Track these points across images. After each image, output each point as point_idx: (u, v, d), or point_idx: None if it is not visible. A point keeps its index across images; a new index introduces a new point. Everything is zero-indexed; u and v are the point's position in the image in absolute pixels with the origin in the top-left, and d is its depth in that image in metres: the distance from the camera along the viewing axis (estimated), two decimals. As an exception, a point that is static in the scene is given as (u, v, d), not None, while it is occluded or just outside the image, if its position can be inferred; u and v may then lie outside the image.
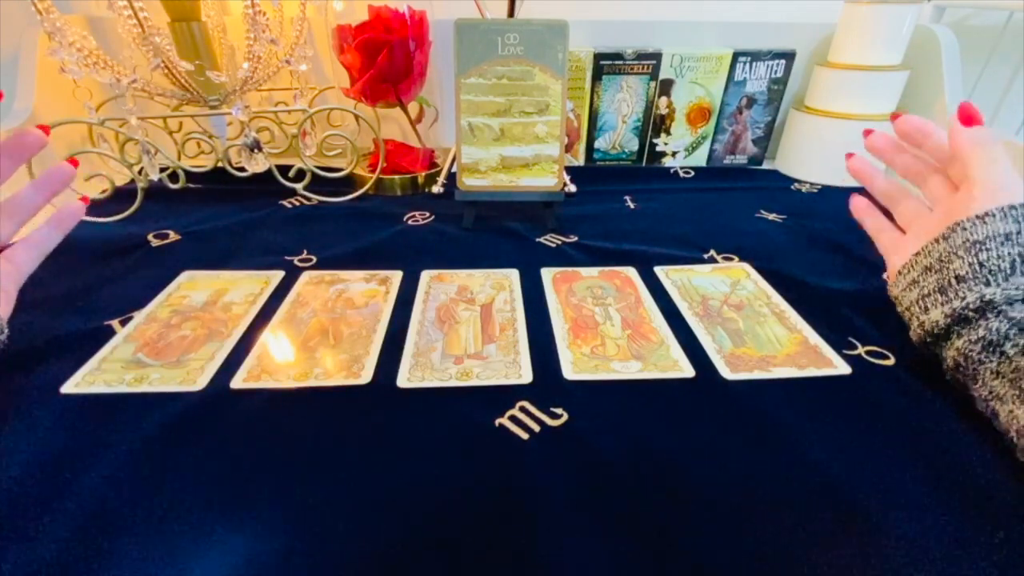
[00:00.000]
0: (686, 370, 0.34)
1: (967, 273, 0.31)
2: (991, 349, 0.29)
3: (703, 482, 0.27)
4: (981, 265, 0.30)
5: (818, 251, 0.49)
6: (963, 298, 0.30)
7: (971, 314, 0.30)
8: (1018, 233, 0.30)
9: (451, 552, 0.23)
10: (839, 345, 0.36)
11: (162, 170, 0.55)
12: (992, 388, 0.29)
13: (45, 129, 0.35)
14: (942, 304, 0.32)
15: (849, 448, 0.28)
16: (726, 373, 0.34)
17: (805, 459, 0.28)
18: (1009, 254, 0.30)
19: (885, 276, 0.38)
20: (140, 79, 0.50)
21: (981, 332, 0.29)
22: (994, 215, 0.30)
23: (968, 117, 0.33)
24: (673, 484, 0.26)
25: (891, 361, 0.35)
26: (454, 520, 0.25)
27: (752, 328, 0.38)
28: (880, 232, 0.40)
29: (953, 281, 0.31)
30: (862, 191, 0.42)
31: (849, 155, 0.43)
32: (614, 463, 0.28)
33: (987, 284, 0.30)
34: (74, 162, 0.37)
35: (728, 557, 0.23)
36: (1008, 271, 0.30)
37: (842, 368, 0.34)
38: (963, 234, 0.31)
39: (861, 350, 0.36)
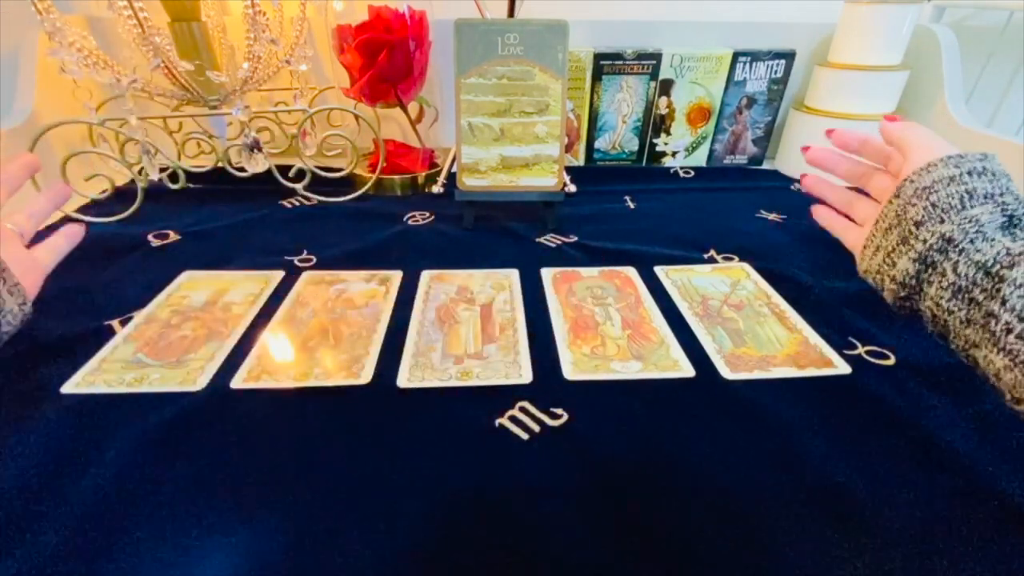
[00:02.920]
0: (686, 370, 0.34)
1: (923, 217, 0.32)
2: (960, 296, 0.29)
3: (703, 481, 0.27)
4: (934, 206, 0.32)
5: (818, 251, 0.49)
6: (924, 240, 0.32)
7: (935, 255, 0.31)
8: (960, 175, 0.32)
9: (451, 552, 0.23)
10: (839, 345, 0.36)
11: (162, 170, 0.55)
12: (967, 337, 0.29)
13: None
14: (906, 252, 0.33)
15: (848, 447, 0.28)
16: (726, 373, 0.34)
17: (805, 458, 0.28)
18: (956, 191, 0.32)
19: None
20: (140, 79, 0.50)
21: (950, 277, 0.30)
22: (936, 164, 0.33)
23: (892, 118, 0.37)
24: (673, 483, 0.27)
25: (891, 361, 0.35)
26: (454, 520, 0.25)
27: (752, 328, 0.38)
28: (845, 231, 0.43)
29: (912, 228, 0.33)
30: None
31: (803, 176, 0.46)
32: (614, 463, 0.28)
33: (942, 222, 0.31)
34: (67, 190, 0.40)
35: (728, 554, 0.23)
36: (959, 207, 0.31)
37: (842, 368, 0.34)
38: (911, 186, 0.33)
39: (861, 350, 0.36)
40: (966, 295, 0.29)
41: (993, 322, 0.27)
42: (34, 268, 0.37)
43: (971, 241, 0.29)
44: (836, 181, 0.45)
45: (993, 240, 0.29)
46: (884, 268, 0.35)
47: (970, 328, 0.29)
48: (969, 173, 0.31)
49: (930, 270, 0.31)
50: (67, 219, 0.52)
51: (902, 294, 0.33)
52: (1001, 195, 0.31)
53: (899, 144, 0.36)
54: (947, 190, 0.32)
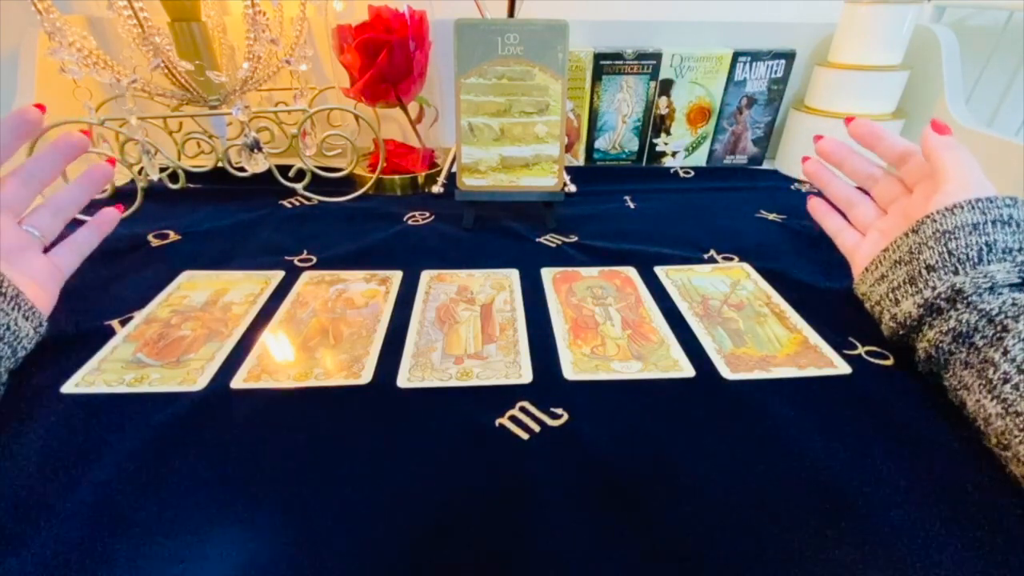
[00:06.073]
0: (686, 370, 0.34)
1: (937, 262, 0.31)
2: (961, 340, 0.29)
3: (703, 482, 0.27)
4: (950, 254, 0.31)
5: (818, 251, 0.49)
6: (934, 287, 0.31)
7: (942, 304, 0.30)
8: (984, 223, 0.31)
9: (451, 552, 0.23)
10: (839, 345, 0.36)
11: (162, 170, 0.55)
12: (961, 378, 0.29)
13: (41, 108, 0.35)
14: (913, 295, 0.32)
15: (848, 448, 0.28)
16: (726, 373, 0.34)
17: (805, 458, 0.28)
18: (976, 243, 0.30)
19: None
20: (140, 79, 0.50)
21: (952, 323, 0.30)
22: (962, 207, 0.31)
23: (940, 127, 0.35)
24: (673, 484, 0.26)
25: (891, 361, 0.35)
26: (454, 520, 0.25)
27: (752, 328, 0.38)
28: (839, 232, 0.41)
29: (924, 271, 0.32)
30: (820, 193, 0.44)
31: (805, 158, 0.44)
32: (614, 463, 0.28)
33: (956, 273, 0.31)
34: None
35: (728, 555, 0.23)
36: (976, 260, 0.30)
37: (842, 368, 0.34)
38: (933, 225, 0.32)
39: (861, 350, 0.36)
40: (966, 340, 0.29)
41: (991, 370, 0.27)
42: (52, 277, 0.36)
43: (980, 295, 0.29)
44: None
45: (1001, 293, 0.29)
46: (886, 303, 0.34)
47: (967, 370, 0.29)
48: (994, 223, 0.30)
49: (934, 315, 0.31)
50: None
51: (900, 332, 0.33)
52: (1020, 250, 0.30)
53: (935, 165, 0.34)
54: (968, 239, 0.30)
